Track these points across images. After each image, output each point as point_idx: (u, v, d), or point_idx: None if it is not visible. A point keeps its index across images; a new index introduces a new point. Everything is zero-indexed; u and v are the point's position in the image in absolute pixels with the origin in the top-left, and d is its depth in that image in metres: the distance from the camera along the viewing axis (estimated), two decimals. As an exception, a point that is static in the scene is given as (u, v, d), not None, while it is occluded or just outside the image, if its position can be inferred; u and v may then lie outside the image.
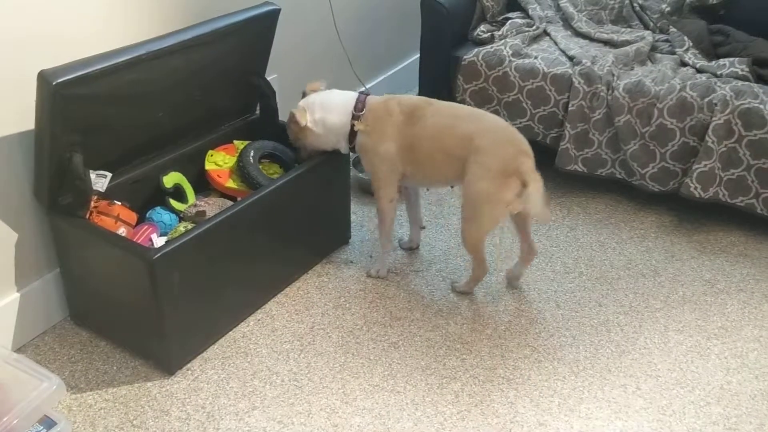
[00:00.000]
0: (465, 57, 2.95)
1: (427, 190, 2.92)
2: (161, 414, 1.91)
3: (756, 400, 2.00)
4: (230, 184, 2.35)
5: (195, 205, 2.23)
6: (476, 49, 2.96)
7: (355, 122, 2.27)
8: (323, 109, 2.29)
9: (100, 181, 2.05)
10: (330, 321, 2.26)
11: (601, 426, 1.90)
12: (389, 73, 3.68)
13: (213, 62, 2.24)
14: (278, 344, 2.16)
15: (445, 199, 2.94)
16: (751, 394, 2.02)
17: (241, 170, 2.33)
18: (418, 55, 3.17)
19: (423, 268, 2.53)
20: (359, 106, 2.28)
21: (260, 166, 2.38)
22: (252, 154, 2.36)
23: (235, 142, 2.47)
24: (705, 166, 2.60)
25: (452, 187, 2.91)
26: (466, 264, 2.54)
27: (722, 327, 2.27)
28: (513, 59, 2.88)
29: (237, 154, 2.41)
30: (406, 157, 2.25)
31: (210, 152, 2.41)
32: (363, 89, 3.34)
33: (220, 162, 2.40)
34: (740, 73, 2.71)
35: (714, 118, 2.57)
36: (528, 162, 2.11)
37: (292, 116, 2.30)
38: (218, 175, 2.36)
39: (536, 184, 2.08)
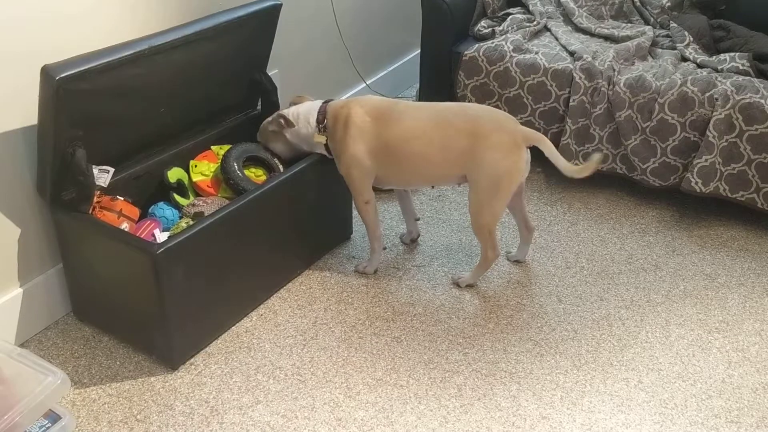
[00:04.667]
0: (466, 52, 2.96)
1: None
2: (165, 408, 1.92)
3: (757, 393, 2.01)
4: (223, 193, 2.34)
5: (193, 205, 2.23)
6: (477, 45, 2.97)
7: (316, 134, 2.30)
8: (295, 120, 2.35)
9: (103, 176, 2.05)
10: (332, 316, 2.27)
11: (604, 419, 1.91)
12: (390, 68, 3.69)
13: (215, 57, 2.24)
14: (281, 339, 2.17)
15: (445, 195, 2.94)
16: (753, 387, 2.03)
17: (226, 181, 2.30)
18: (419, 51, 3.17)
19: (425, 263, 2.53)
20: (320, 117, 2.31)
21: (244, 171, 2.37)
22: (234, 161, 2.32)
23: (213, 147, 2.44)
24: (706, 160, 2.60)
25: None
26: (467, 259, 2.55)
27: (723, 321, 2.28)
28: (514, 54, 2.89)
29: (219, 161, 2.39)
30: (380, 159, 2.26)
31: (193, 162, 2.37)
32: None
33: (205, 171, 2.37)
34: (741, 68, 2.71)
35: (715, 113, 2.57)
36: (524, 127, 2.24)
37: (281, 119, 2.34)
38: (208, 186, 2.35)
39: (545, 141, 2.25)
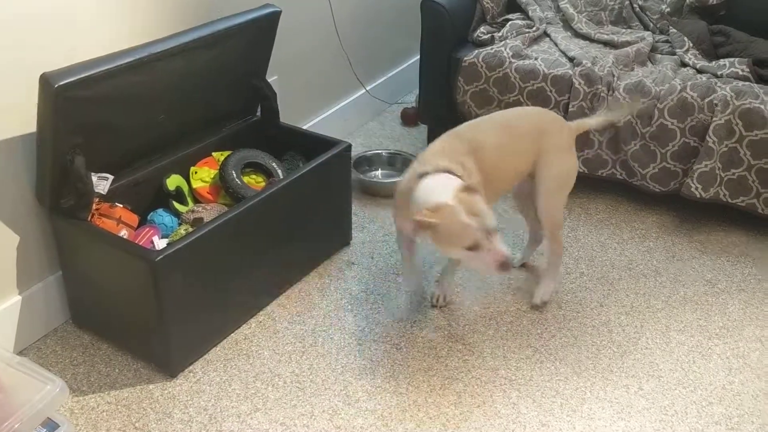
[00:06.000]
0: (465, 58, 2.96)
1: None
2: (163, 416, 1.91)
3: (758, 399, 2.00)
4: (222, 200, 2.34)
5: (192, 211, 2.23)
6: (476, 51, 2.97)
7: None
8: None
9: (102, 183, 2.05)
10: (332, 322, 2.26)
11: (604, 426, 1.90)
12: (390, 74, 3.69)
13: (214, 64, 2.24)
14: (280, 346, 2.16)
15: (446, 201, 2.93)
16: (754, 393, 2.02)
17: (225, 189, 2.30)
18: (419, 57, 3.17)
19: (424, 269, 2.52)
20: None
21: (244, 177, 2.36)
22: (232, 169, 2.32)
23: (214, 154, 2.44)
24: (706, 166, 2.60)
25: None
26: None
27: (724, 327, 2.27)
28: (513, 60, 2.89)
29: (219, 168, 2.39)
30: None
31: (193, 169, 2.36)
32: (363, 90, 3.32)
33: (206, 178, 2.37)
34: (741, 73, 2.71)
35: (714, 119, 2.57)
36: (568, 122, 2.28)
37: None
38: (207, 192, 2.35)
39: (586, 121, 2.34)
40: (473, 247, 1.79)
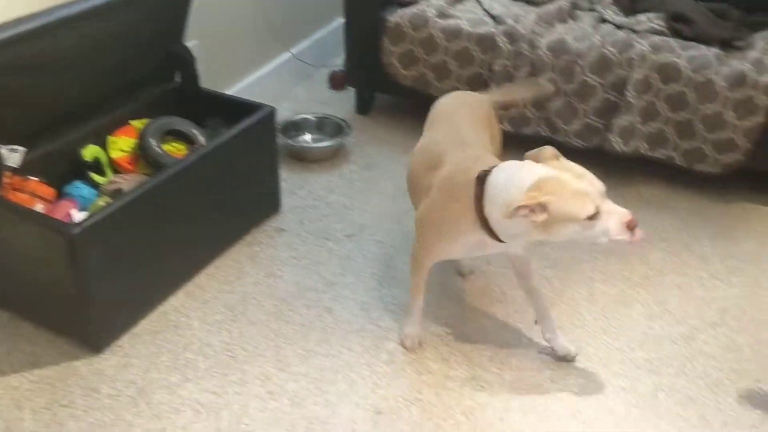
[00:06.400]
0: (390, 18, 2.93)
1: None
2: (90, 392, 1.87)
3: (677, 344, 2.08)
4: (142, 170, 2.28)
5: (112, 182, 2.17)
6: (401, 10, 2.94)
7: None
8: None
9: (13, 156, 1.97)
10: (262, 290, 2.25)
11: (531, 376, 1.96)
12: (316, 36, 3.63)
13: (127, 29, 2.16)
14: (210, 315, 2.14)
15: (376, 164, 2.93)
16: (673, 338, 2.10)
17: (145, 158, 2.25)
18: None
19: (355, 233, 2.52)
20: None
21: (165, 145, 2.31)
22: (151, 137, 2.26)
23: (132, 122, 2.37)
24: (625, 120, 2.66)
25: None
26: (398, 227, 2.54)
27: (645, 276, 2.35)
28: (437, 20, 2.87)
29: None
30: None
31: (111, 138, 2.29)
32: (290, 53, 3.26)
33: (125, 147, 2.29)
34: (657, 28, 2.76)
35: (633, 73, 2.62)
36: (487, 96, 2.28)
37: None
38: (128, 162, 2.28)
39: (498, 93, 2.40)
40: (594, 215, 1.57)
